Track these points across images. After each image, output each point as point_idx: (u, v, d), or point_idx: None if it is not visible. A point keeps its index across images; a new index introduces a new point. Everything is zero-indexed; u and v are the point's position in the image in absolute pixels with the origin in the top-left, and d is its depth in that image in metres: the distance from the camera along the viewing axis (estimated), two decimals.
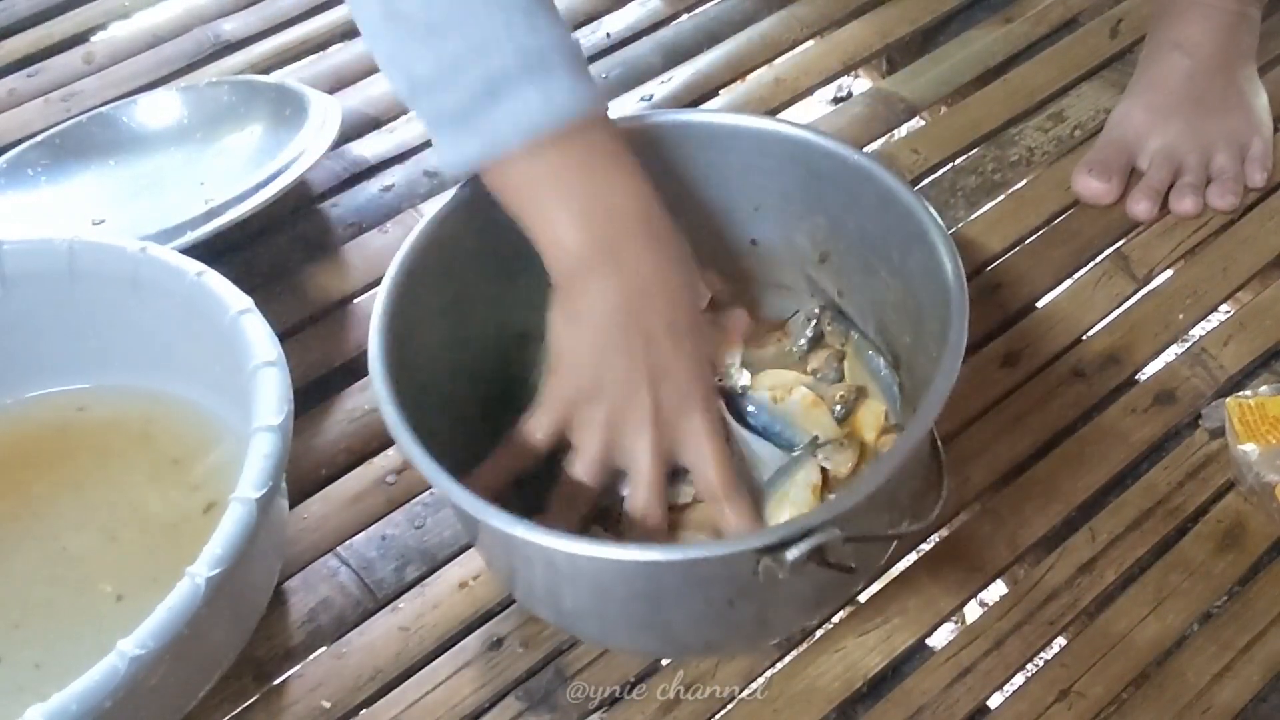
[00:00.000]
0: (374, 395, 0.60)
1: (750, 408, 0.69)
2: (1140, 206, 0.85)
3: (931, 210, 0.65)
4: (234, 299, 0.69)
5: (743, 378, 0.70)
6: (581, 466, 0.63)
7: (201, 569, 0.57)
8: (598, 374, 0.61)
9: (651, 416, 0.61)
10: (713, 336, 0.66)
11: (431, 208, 0.69)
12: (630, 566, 0.56)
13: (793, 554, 0.53)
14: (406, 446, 0.58)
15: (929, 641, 0.68)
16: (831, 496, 0.66)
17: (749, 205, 0.73)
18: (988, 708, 0.65)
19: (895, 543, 0.67)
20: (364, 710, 0.66)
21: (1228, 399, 0.73)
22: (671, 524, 0.65)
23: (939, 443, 0.66)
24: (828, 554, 0.54)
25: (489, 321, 0.71)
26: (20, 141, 0.97)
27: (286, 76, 1.04)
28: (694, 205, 0.73)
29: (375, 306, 0.64)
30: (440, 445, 0.58)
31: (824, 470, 0.66)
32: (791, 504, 0.65)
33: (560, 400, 0.63)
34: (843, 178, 0.69)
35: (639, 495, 0.62)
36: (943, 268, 0.63)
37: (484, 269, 0.69)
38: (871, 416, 0.70)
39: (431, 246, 0.67)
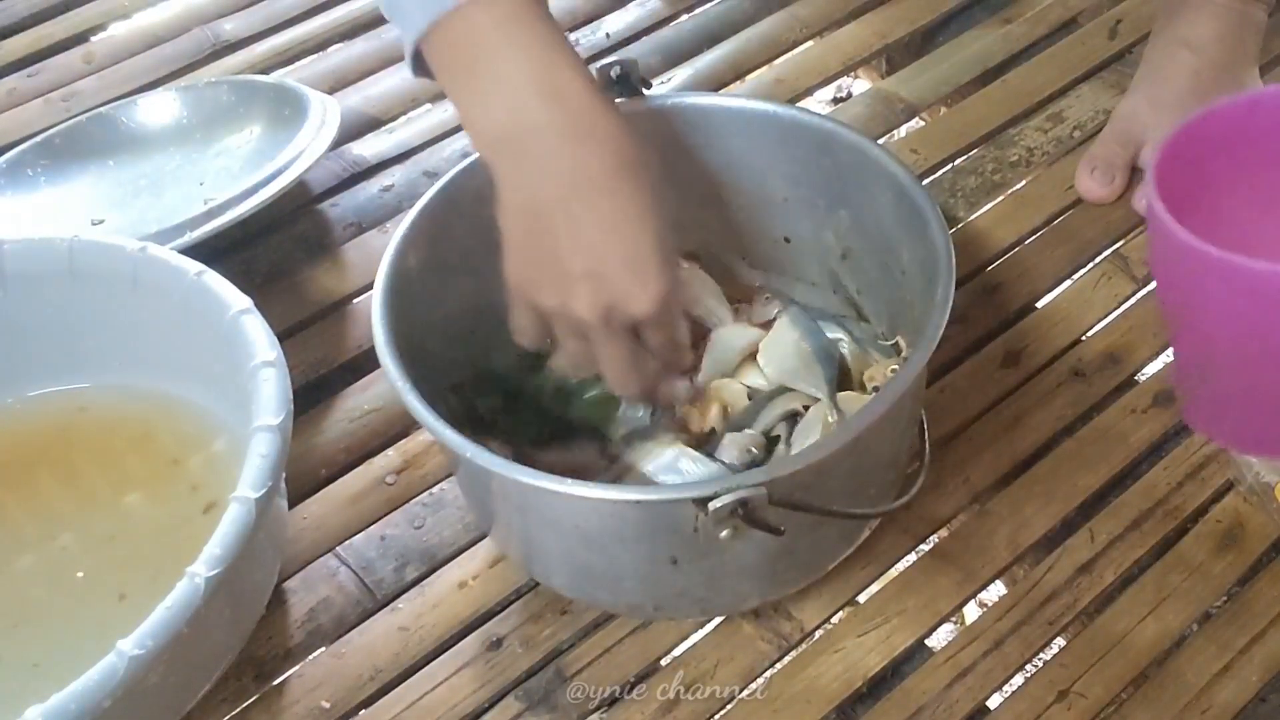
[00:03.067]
0: (380, 362, 0.61)
1: None
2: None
3: (934, 203, 0.65)
4: (234, 299, 0.69)
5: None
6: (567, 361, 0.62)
7: (201, 569, 0.57)
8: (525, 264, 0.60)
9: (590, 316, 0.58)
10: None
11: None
12: (573, 502, 0.57)
13: (715, 504, 0.53)
14: (396, 380, 0.59)
15: (928, 642, 0.68)
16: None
17: (779, 196, 0.73)
18: (987, 708, 0.65)
19: (868, 528, 0.67)
20: (363, 710, 0.66)
21: None
22: None
23: (925, 430, 0.67)
24: (754, 511, 0.54)
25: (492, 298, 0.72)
26: (20, 141, 0.97)
27: (286, 76, 1.04)
28: (728, 194, 0.74)
29: (376, 286, 0.64)
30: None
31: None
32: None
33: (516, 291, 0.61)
34: (863, 171, 0.69)
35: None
36: (935, 255, 0.63)
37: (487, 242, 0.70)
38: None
39: (434, 219, 0.68)
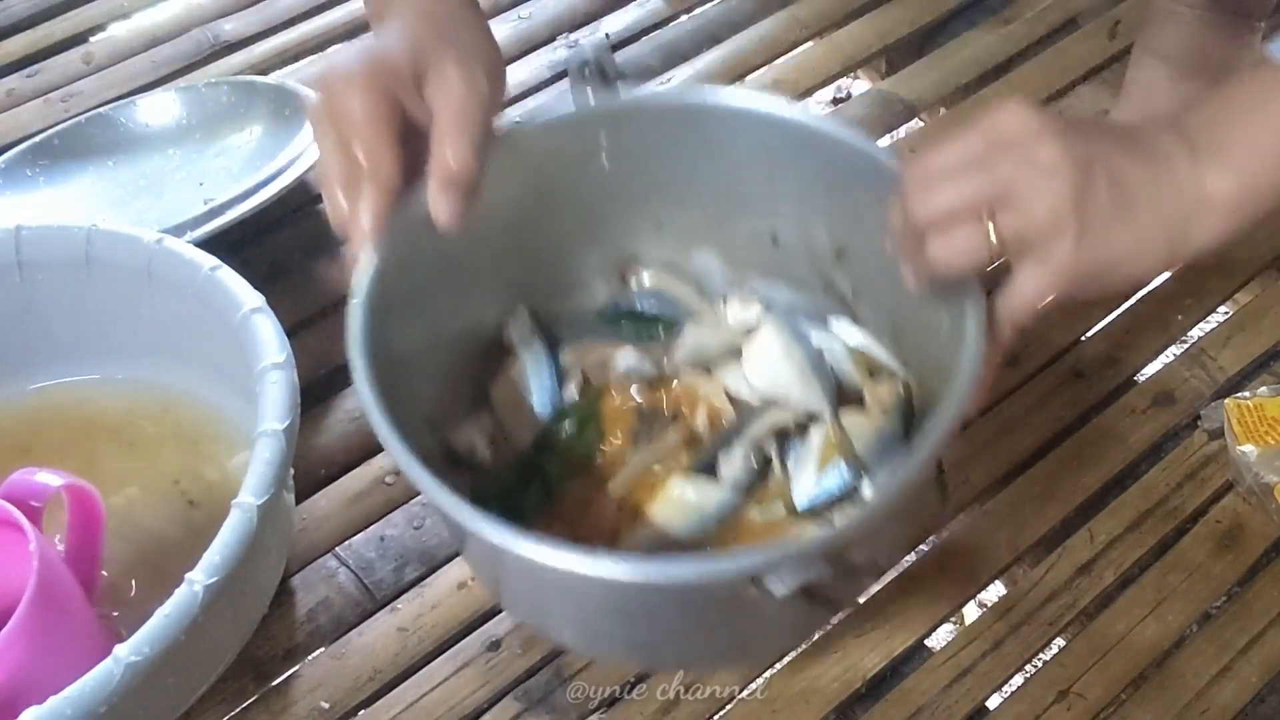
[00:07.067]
0: (360, 402, 0.55)
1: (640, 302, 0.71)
2: None
3: None
4: (247, 296, 0.68)
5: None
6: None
7: (200, 576, 0.57)
8: None
9: None
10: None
11: None
12: (611, 586, 0.53)
13: (777, 588, 0.50)
14: (394, 450, 0.54)
15: (928, 642, 0.68)
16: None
17: (767, 189, 0.69)
18: (986, 708, 0.65)
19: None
20: (362, 711, 0.66)
21: (1226, 400, 0.73)
22: None
23: (943, 471, 0.65)
24: (815, 591, 0.51)
25: (463, 324, 0.68)
26: (19, 142, 0.97)
27: (286, 77, 1.04)
28: (714, 189, 0.70)
29: (351, 318, 0.59)
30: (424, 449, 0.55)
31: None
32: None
33: None
34: (863, 170, 0.65)
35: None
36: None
37: (451, 272, 0.65)
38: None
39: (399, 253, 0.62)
